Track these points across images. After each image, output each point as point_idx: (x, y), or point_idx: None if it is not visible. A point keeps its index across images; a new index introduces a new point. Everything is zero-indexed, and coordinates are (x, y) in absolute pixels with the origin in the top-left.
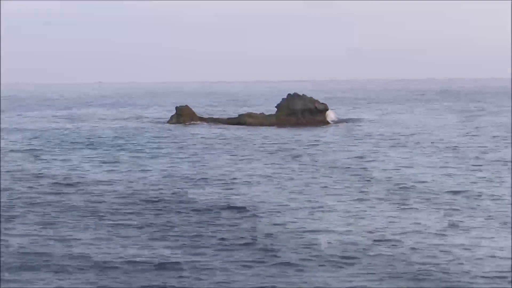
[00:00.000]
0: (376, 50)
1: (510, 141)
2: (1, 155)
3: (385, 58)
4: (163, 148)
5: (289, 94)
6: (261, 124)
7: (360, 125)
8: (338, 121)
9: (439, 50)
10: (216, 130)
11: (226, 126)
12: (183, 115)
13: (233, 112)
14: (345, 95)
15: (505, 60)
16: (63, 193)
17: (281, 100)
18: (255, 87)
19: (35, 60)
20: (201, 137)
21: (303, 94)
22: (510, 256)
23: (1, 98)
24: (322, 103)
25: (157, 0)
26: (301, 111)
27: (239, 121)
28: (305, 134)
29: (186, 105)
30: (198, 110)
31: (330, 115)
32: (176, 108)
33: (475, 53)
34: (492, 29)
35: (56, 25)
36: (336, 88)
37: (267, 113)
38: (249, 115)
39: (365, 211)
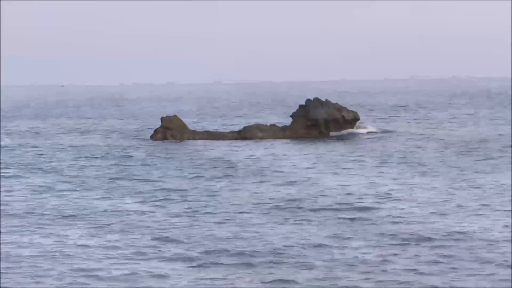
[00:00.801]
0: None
1: None
2: None
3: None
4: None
5: (308, 100)
6: (274, 139)
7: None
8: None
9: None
10: (220, 149)
11: (228, 142)
12: (171, 129)
13: (222, 121)
14: (358, 99)
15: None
16: None
17: (297, 107)
18: (257, 88)
19: (35, 60)
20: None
21: (326, 100)
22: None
23: None
24: (352, 111)
25: None
26: (324, 122)
27: (245, 135)
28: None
29: (175, 115)
30: (189, 120)
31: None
32: (162, 119)
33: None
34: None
35: (57, 25)
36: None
37: (278, 124)
38: (258, 127)
39: None
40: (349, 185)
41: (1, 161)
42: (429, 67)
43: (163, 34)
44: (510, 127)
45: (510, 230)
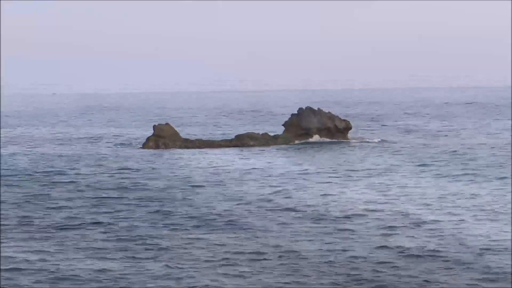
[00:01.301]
0: None
1: None
2: None
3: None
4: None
5: (300, 109)
6: (266, 147)
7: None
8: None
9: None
10: (212, 157)
11: (222, 150)
12: (163, 137)
13: (214, 129)
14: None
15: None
16: None
17: (290, 116)
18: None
19: (35, 60)
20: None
21: (318, 109)
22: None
23: None
24: (344, 120)
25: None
26: (316, 131)
27: (237, 143)
28: None
29: (167, 123)
30: (183, 127)
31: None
32: (154, 127)
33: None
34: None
35: (57, 25)
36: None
37: (270, 132)
38: (250, 136)
39: None
40: (341, 193)
41: None
42: (429, 67)
43: (163, 34)
44: (493, 137)
45: (510, 238)
